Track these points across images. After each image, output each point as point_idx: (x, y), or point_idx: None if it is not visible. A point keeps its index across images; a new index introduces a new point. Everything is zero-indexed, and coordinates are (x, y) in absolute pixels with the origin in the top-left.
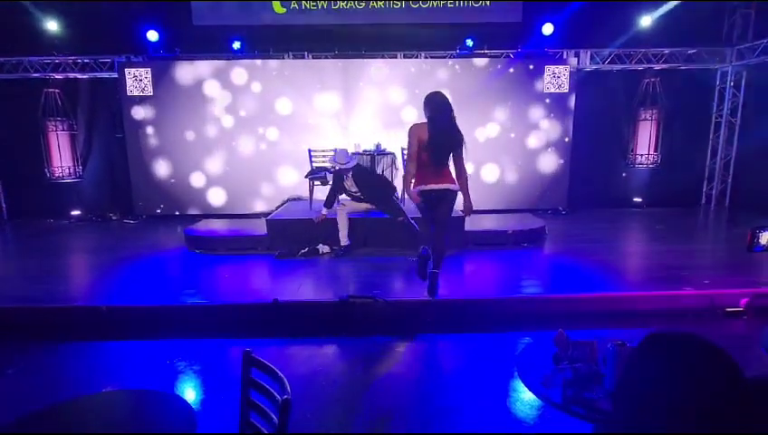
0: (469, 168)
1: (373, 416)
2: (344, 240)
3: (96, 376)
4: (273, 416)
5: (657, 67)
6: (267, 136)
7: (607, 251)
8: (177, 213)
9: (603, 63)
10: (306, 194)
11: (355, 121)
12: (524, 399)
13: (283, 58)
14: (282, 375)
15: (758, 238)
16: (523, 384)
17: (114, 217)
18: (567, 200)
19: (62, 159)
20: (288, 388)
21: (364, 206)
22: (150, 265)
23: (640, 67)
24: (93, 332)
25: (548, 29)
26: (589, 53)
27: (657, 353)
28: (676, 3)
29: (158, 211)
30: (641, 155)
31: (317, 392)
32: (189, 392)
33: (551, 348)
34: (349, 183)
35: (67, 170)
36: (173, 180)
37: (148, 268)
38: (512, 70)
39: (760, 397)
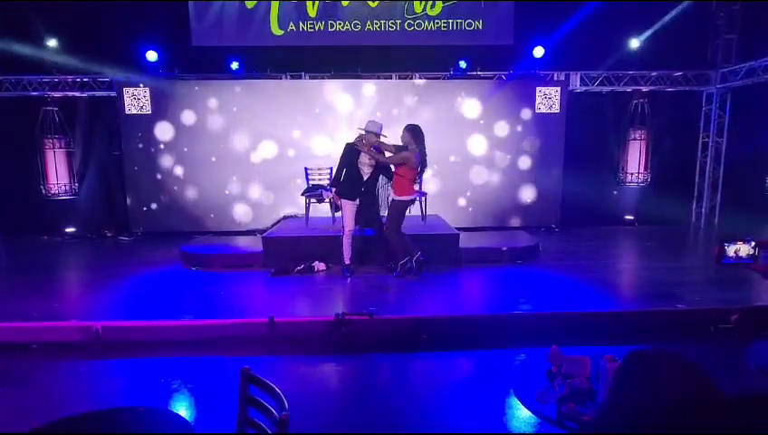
0: (464, 186)
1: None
2: (347, 259)
3: (90, 395)
4: (271, 433)
5: (645, 89)
6: (263, 154)
7: (599, 268)
8: (174, 229)
9: (593, 85)
10: (302, 212)
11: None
12: (520, 415)
13: (281, 78)
14: (280, 392)
15: (726, 251)
16: (518, 401)
17: (109, 234)
18: (559, 218)
19: (58, 176)
20: (286, 405)
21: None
22: (145, 282)
23: (629, 89)
24: (87, 350)
25: (539, 52)
26: (579, 75)
27: (638, 371)
28: (662, 22)
29: (153, 227)
30: (631, 174)
31: (313, 410)
32: (184, 411)
33: (545, 364)
34: (367, 158)
35: (63, 187)
36: (169, 198)
37: (143, 285)
38: (504, 90)
39: (745, 412)
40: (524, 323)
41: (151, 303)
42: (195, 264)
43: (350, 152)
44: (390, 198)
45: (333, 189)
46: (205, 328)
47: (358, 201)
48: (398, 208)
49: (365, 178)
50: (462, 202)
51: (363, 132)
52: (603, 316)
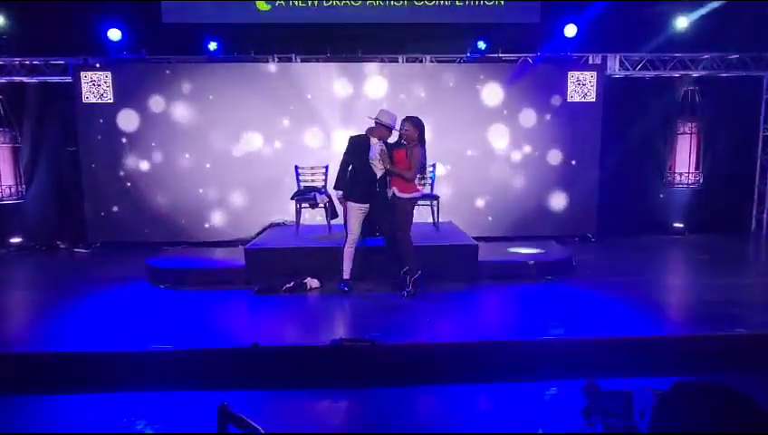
0: (483, 186)
1: None
2: (347, 274)
3: None
4: None
5: (695, 74)
6: (246, 150)
7: (643, 285)
8: (139, 239)
9: (634, 69)
10: (291, 218)
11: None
12: None
13: (267, 61)
14: (265, 433)
15: None
16: None
17: (62, 246)
18: (596, 226)
19: (1, 176)
20: None
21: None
22: (105, 302)
23: (676, 74)
24: (34, 384)
25: (571, 31)
26: (618, 57)
27: (684, 403)
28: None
29: (114, 237)
30: (681, 174)
31: None
32: None
33: (580, 400)
34: (377, 151)
35: (7, 190)
36: (134, 201)
37: (102, 307)
38: (529, 76)
39: None
40: (555, 351)
41: (111, 328)
42: (164, 281)
43: (359, 146)
44: (391, 196)
45: (340, 192)
46: (175, 358)
47: (368, 205)
48: (408, 208)
49: (378, 177)
50: (480, 205)
51: (374, 122)
52: (648, 343)
